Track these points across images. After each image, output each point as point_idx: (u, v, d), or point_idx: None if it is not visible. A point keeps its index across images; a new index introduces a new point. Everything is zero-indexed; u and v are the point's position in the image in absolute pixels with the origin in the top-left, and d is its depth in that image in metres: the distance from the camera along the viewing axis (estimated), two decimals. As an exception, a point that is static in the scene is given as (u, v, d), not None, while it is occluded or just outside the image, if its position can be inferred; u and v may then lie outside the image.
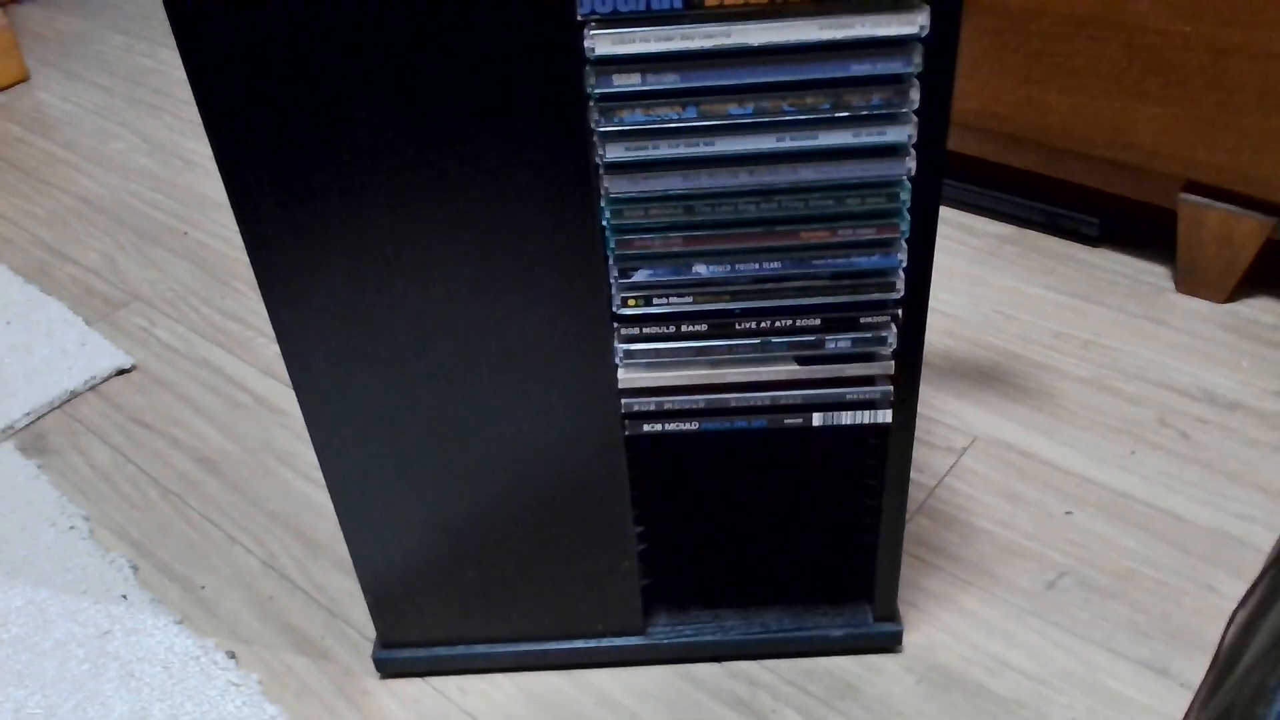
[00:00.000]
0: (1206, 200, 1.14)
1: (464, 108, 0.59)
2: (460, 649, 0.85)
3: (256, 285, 1.38)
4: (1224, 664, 0.34)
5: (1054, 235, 1.33)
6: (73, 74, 2.03)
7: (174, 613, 0.94)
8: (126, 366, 1.24)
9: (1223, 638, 0.36)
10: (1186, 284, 1.21)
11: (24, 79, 2.01)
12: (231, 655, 0.89)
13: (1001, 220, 1.37)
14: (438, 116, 0.59)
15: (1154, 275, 1.25)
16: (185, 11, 0.56)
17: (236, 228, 1.51)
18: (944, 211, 1.39)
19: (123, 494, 1.07)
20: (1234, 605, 0.87)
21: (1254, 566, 0.91)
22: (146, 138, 1.78)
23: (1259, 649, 0.32)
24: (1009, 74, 1.19)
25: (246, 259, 1.43)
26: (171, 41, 2.13)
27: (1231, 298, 1.20)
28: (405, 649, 0.86)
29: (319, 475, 1.07)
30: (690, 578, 0.86)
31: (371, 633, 0.91)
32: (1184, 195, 1.15)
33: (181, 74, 1.99)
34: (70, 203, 1.60)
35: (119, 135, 1.79)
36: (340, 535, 1.00)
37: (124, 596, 0.95)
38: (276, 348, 1.26)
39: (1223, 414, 1.05)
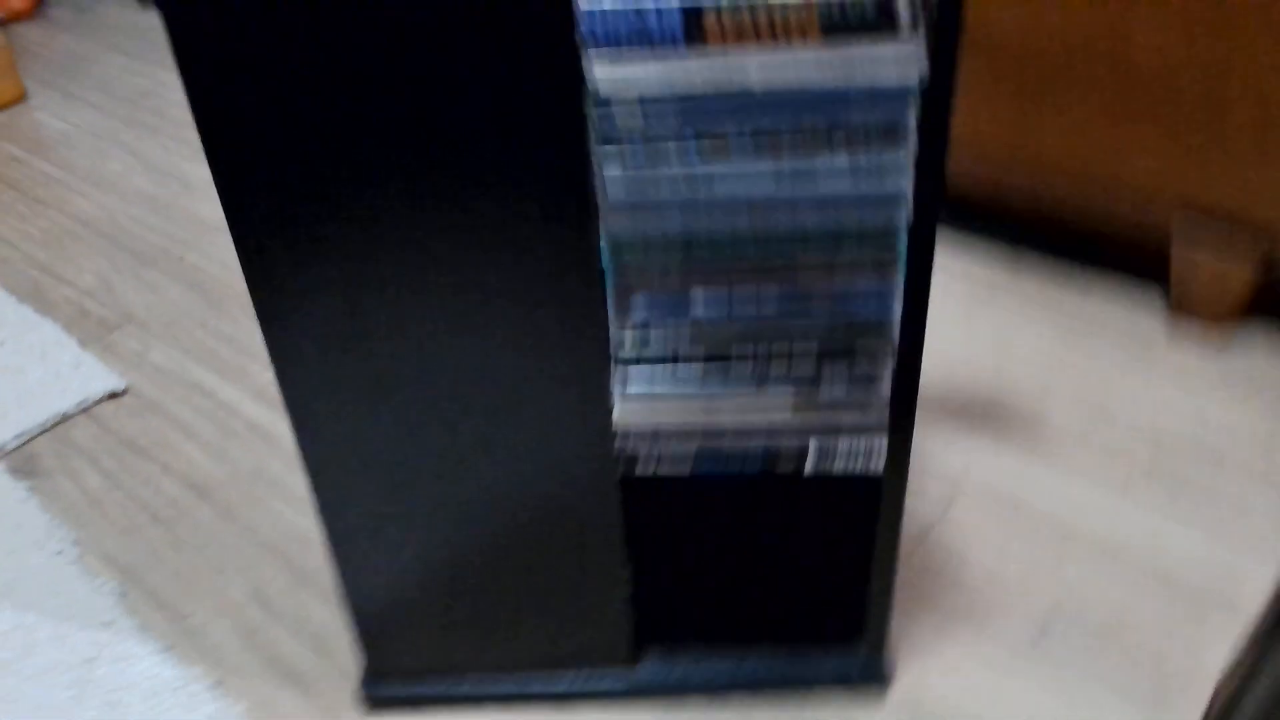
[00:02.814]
0: (1201, 241, 1.15)
1: (464, 136, 0.59)
2: (447, 684, 0.85)
3: (251, 311, 1.38)
4: (1214, 728, 0.34)
5: (1045, 275, 1.34)
6: (71, 94, 2.03)
7: (160, 641, 0.93)
8: (119, 390, 1.24)
9: (1211, 702, 0.36)
10: (1179, 325, 1.22)
11: (21, 99, 2.01)
12: (216, 685, 0.89)
13: (992, 260, 1.38)
14: (438, 145, 0.59)
15: (1146, 315, 1.26)
16: (185, 33, 0.56)
17: (232, 252, 1.51)
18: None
19: (112, 519, 1.06)
20: (1222, 656, 0.87)
21: (1244, 618, 0.91)
22: (144, 160, 1.78)
23: (1248, 718, 0.32)
24: (998, 119, 1.20)
25: (242, 284, 1.43)
26: (170, 64, 2.14)
27: (1225, 339, 1.20)
28: (392, 683, 0.85)
29: (309, 505, 1.07)
30: (682, 616, 0.86)
31: (358, 666, 0.90)
32: (1178, 236, 1.16)
33: (180, 96, 2.00)
34: (66, 223, 1.60)
35: (116, 157, 1.79)
36: (329, 567, 1.00)
37: (110, 623, 0.94)
38: (270, 374, 1.25)
39: (1215, 458, 1.06)
